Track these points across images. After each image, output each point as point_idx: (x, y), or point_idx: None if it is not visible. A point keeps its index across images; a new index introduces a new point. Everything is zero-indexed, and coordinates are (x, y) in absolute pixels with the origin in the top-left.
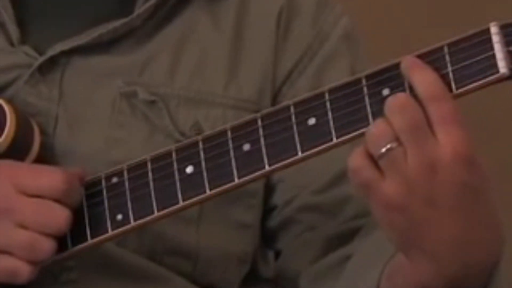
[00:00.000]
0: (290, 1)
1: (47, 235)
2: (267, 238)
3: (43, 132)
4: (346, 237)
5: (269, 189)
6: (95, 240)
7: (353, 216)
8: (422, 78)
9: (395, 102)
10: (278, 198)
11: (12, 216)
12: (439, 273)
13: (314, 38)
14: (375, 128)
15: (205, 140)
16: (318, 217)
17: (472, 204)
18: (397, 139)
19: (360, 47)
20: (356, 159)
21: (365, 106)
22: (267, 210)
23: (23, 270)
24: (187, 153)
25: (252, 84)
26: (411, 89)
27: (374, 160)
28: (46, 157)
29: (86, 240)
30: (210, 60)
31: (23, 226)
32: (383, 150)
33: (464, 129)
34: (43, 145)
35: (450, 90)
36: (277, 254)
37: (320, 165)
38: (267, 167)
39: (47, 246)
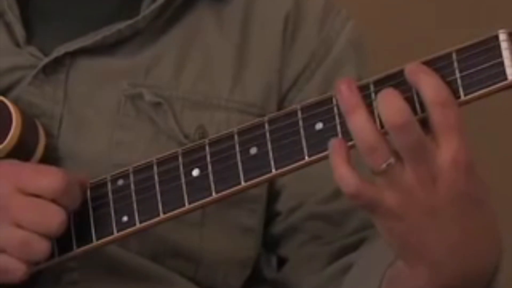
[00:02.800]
0: (297, 6)
1: (42, 235)
2: (271, 243)
3: (47, 133)
4: (351, 249)
5: (273, 195)
6: (100, 241)
7: (359, 227)
8: (429, 83)
9: (395, 122)
10: (282, 205)
11: (8, 214)
12: (437, 280)
13: (320, 44)
14: (372, 144)
15: (212, 143)
16: (324, 226)
17: (471, 213)
18: (395, 154)
19: (365, 52)
20: (352, 184)
21: (372, 112)
22: (271, 216)
23: (17, 269)
24: (193, 156)
25: (258, 89)
26: (418, 95)
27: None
28: (50, 159)
29: (91, 241)
30: (216, 63)
31: (18, 225)
32: (384, 166)
33: (465, 137)
34: (48, 147)
35: (458, 96)
36: (279, 260)
37: (326, 173)
38: (273, 171)
39: (41, 246)
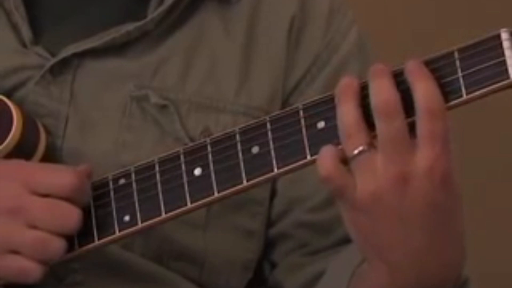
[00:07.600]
0: (302, 8)
1: (58, 234)
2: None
3: (52, 134)
4: None
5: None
6: (102, 241)
7: (346, 238)
8: (425, 89)
9: (383, 108)
10: (272, 209)
11: (22, 216)
12: (396, 280)
13: (325, 47)
14: (349, 129)
15: (214, 142)
16: (312, 234)
17: (439, 223)
18: (370, 143)
19: (369, 56)
20: (327, 167)
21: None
22: None
23: (34, 270)
24: (195, 156)
25: (263, 92)
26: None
27: (345, 162)
28: (52, 160)
29: (93, 241)
30: (221, 66)
31: (33, 226)
32: (355, 152)
33: (448, 148)
34: (48, 148)
35: (460, 95)
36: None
37: (316, 181)
38: (275, 170)
39: (57, 245)
